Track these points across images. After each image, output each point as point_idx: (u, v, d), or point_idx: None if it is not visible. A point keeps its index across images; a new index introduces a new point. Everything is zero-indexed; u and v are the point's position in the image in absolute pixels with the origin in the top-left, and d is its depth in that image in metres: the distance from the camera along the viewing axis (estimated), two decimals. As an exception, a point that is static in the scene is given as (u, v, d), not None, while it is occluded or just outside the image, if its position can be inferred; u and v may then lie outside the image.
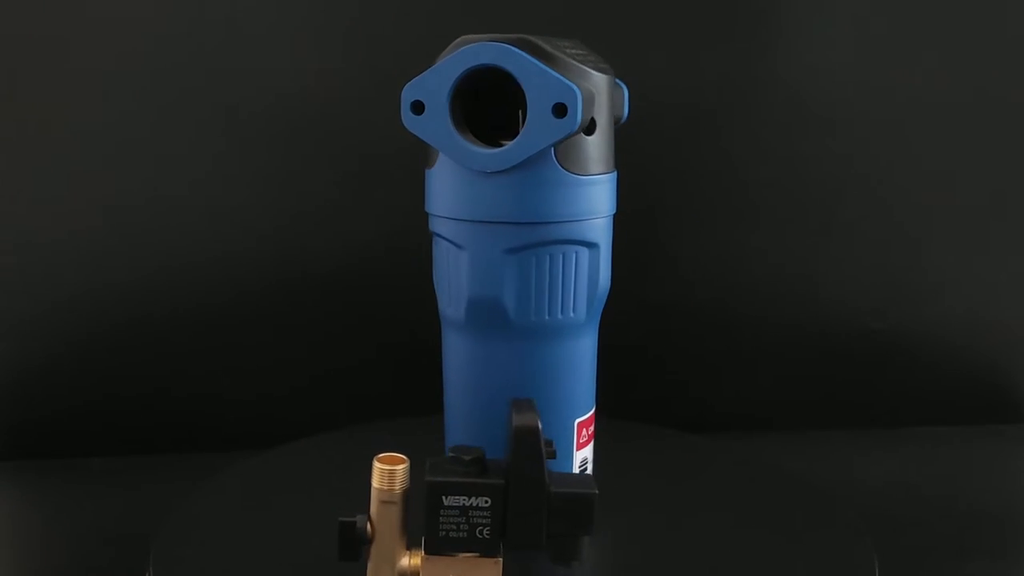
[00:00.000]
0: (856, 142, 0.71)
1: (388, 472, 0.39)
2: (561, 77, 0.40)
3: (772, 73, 0.70)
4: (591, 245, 0.45)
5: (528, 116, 0.41)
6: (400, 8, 0.65)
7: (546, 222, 0.43)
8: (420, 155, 0.45)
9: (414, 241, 0.52)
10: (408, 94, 0.42)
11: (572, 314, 0.45)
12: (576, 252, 0.45)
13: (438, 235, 0.46)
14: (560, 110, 0.41)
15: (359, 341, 0.69)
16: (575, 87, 0.40)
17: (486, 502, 0.40)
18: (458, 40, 0.43)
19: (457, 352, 0.47)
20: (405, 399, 0.63)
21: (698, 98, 0.70)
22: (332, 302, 0.69)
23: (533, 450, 0.39)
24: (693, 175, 0.71)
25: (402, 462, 0.39)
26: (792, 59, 0.70)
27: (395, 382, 0.68)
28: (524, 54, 0.41)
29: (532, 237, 0.43)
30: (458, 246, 0.44)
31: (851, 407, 0.74)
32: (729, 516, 0.50)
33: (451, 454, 0.40)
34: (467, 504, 0.39)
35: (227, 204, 0.67)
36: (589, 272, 0.45)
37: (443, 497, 0.39)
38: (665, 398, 0.70)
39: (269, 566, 0.45)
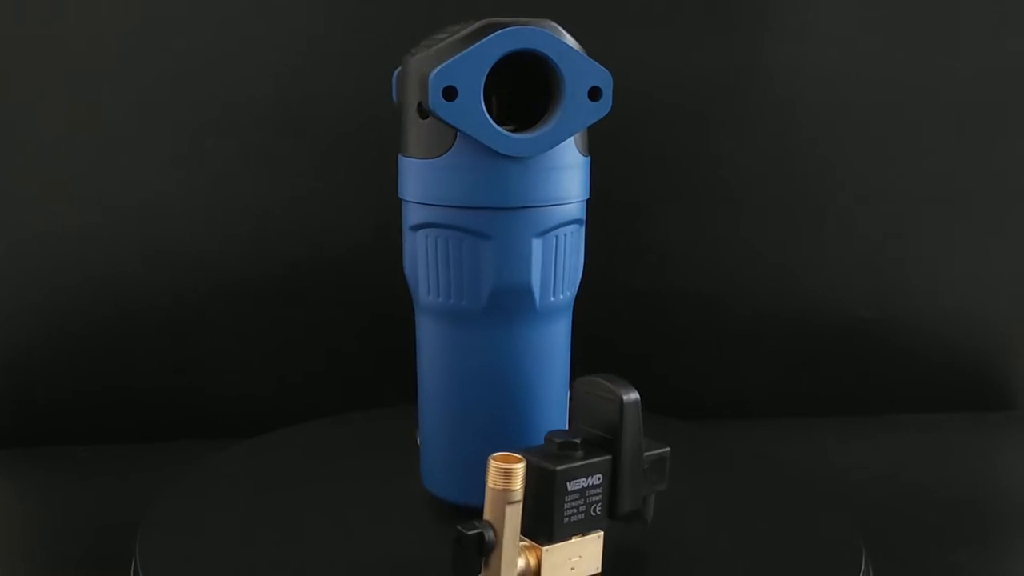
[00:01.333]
0: (845, 134, 0.72)
1: (507, 471, 0.38)
2: (594, 61, 0.41)
3: (763, 66, 0.70)
4: (583, 223, 0.46)
5: (564, 100, 0.41)
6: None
7: (567, 203, 0.44)
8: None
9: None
10: (438, 80, 0.40)
11: (576, 290, 0.46)
12: (579, 231, 0.46)
13: (445, 226, 0.44)
14: (595, 93, 0.42)
15: (344, 332, 0.70)
16: (607, 71, 0.41)
17: (599, 479, 0.40)
18: (482, 24, 0.41)
19: (442, 342, 0.46)
20: (391, 388, 0.61)
21: (688, 90, 0.70)
22: (316, 293, 0.70)
23: (638, 421, 0.40)
24: (682, 166, 0.71)
25: (518, 460, 0.39)
26: (782, 51, 0.70)
27: (379, 371, 0.68)
28: (559, 38, 0.41)
29: (556, 219, 0.44)
30: (482, 235, 0.43)
31: (838, 395, 0.75)
32: (713, 504, 0.50)
33: (556, 439, 0.40)
34: (585, 486, 0.40)
35: (214, 199, 0.68)
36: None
37: (567, 483, 0.39)
38: (652, 386, 0.70)
39: (254, 554, 0.45)
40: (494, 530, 0.38)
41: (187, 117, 0.66)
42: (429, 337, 0.47)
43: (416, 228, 0.45)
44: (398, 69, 0.47)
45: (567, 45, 0.41)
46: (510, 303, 0.44)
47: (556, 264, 0.45)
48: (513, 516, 0.38)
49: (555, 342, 0.46)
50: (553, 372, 0.46)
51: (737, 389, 0.74)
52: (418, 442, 0.49)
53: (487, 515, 0.39)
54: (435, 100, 0.40)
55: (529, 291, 0.44)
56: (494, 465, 0.38)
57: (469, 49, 0.40)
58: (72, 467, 0.65)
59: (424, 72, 0.41)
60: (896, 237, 0.73)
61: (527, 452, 0.40)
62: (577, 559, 0.41)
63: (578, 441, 0.40)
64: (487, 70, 0.40)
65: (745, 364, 0.74)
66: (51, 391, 0.68)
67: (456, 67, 0.40)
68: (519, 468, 0.38)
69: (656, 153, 0.71)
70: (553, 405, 0.46)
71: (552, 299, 0.45)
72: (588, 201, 0.46)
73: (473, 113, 0.41)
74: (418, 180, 0.44)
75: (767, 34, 0.70)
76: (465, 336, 0.45)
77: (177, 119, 0.66)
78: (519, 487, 0.38)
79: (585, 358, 0.49)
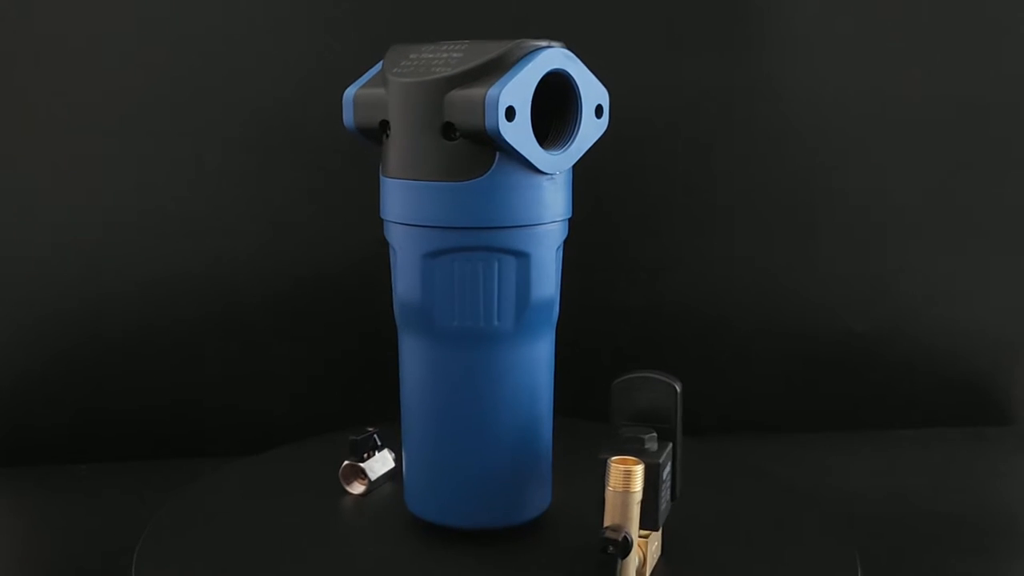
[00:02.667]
0: (840, 149, 0.71)
1: (627, 472, 0.40)
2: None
3: (757, 82, 0.70)
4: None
5: (583, 118, 0.43)
6: (374, 21, 0.66)
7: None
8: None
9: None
10: (504, 100, 0.40)
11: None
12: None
13: (486, 248, 0.43)
14: (599, 111, 0.44)
15: (341, 350, 0.70)
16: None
17: (670, 466, 0.43)
18: (518, 43, 0.41)
19: (423, 360, 0.46)
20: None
21: (682, 107, 0.70)
22: (315, 312, 0.69)
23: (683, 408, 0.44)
24: (676, 183, 0.71)
25: (636, 462, 0.40)
26: (775, 68, 0.70)
27: (376, 389, 0.62)
28: (577, 59, 0.43)
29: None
30: (521, 254, 0.43)
31: (835, 410, 0.74)
32: (709, 518, 0.50)
33: (626, 435, 0.42)
34: (667, 474, 0.43)
35: (211, 220, 0.68)
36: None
37: (663, 473, 0.42)
38: None
39: (252, 571, 0.45)
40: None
41: (185, 138, 0.66)
42: (423, 362, 0.46)
43: (442, 253, 0.43)
44: (352, 90, 0.44)
45: (581, 65, 0.43)
46: (540, 318, 0.45)
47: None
48: (636, 515, 0.40)
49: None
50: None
51: (733, 404, 0.73)
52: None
53: (613, 518, 0.40)
54: (501, 121, 0.40)
55: (552, 304, 0.45)
56: (616, 468, 0.40)
57: (525, 69, 0.40)
58: (71, 485, 0.64)
59: (476, 94, 0.40)
60: (892, 252, 0.73)
61: (609, 449, 0.42)
62: (657, 543, 0.44)
63: (650, 435, 0.43)
64: (532, 91, 0.41)
65: (741, 379, 0.73)
66: (51, 409, 0.68)
67: (514, 88, 0.40)
68: (639, 469, 0.40)
69: (649, 170, 0.71)
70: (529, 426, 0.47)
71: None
72: (581, 219, 0.46)
73: (525, 132, 0.41)
74: (452, 204, 0.42)
75: (761, 51, 0.70)
76: (478, 358, 0.45)
77: (175, 140, 0.66)
78: (640, 487, 0.40)
79: (579, 375, 0.50)
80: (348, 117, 0.45)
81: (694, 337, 0.72)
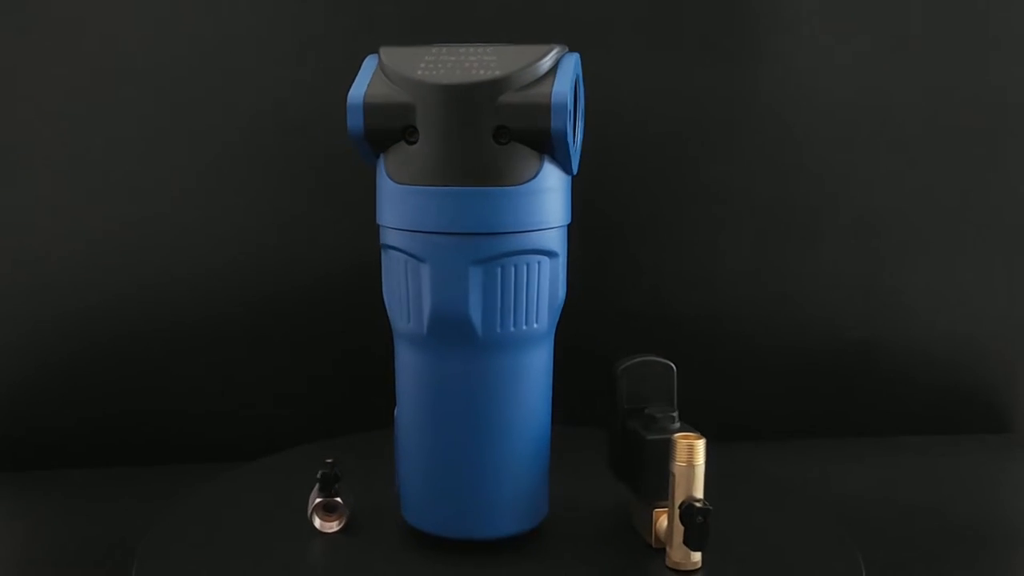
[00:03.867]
0: (840, 157, 0.71)
1: (691, 447, 0.43)
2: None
3: (757, 89, 0.69)
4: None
5: (583, 120, 0.45)
6: (374, 26, 0.65)
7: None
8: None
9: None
10: (569, 103, 0.41)
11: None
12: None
13: (531, 251, 0.43)
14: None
15: (338, 354, 0.70)
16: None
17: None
18: (553, 47, 0.42)
19: (419, 368, 0.45)
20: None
21: (682, 113, 0.69)
22: (308, 317, 0.69)
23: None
24: (676, 189, 0.70)
25: (698, 437, 0.43)
26: (775, 75, 0.70)
27: (369, 396, 0.61)
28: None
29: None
30: (553, 254, 0.44)
31: (834, 417, 0.74)
32: (712, 525, 0.48)
33: (654, 414, 0.45)
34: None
35: (205, 224, 0.68)
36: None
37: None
38: None
39: None
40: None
41: (183, 142, 0.66)
42: (412, 367, 0.45)
43: (491, 260, 0.42)
44: (359, 93, 0.42)
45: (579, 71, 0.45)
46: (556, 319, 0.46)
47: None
48: (703, 484, 0.44)
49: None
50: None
51: (732, 411, 0.72)
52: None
53: (685, 490, 0.43)
54: (568, 123, 0.41)
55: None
56: (681, 443, 0.43)
57: (567, 72, 0.42)
58: (67, 490, 0.65)
59: (540, 95, 0.40)
60: (891, 259, 0.73)
61: (643, 430, 0.45)
62: (678, 512, 0.47)
63: (668, 413, 0.46)
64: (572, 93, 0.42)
65: (741, 386, 0.73)
66: (46, 415, 0.68)
67: (569, 90, 0.41)
68: (701, 443, 0.44)
69: (650, 176, 0.70)
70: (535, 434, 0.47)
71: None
72: (580, 225, 0.46)
73: (572, 134, 0.42)
74: (507, 209, 0.42)
75: (761, 58, 0.69)
76: (507, 363, 0.44)
77: (173, 144, 0.66)
78: (703, 460, 0.44)
79: (579, 381, 0.50)
80: (357, 122, 0.42)
81: (693, 344, 0.72)
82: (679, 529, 0.43)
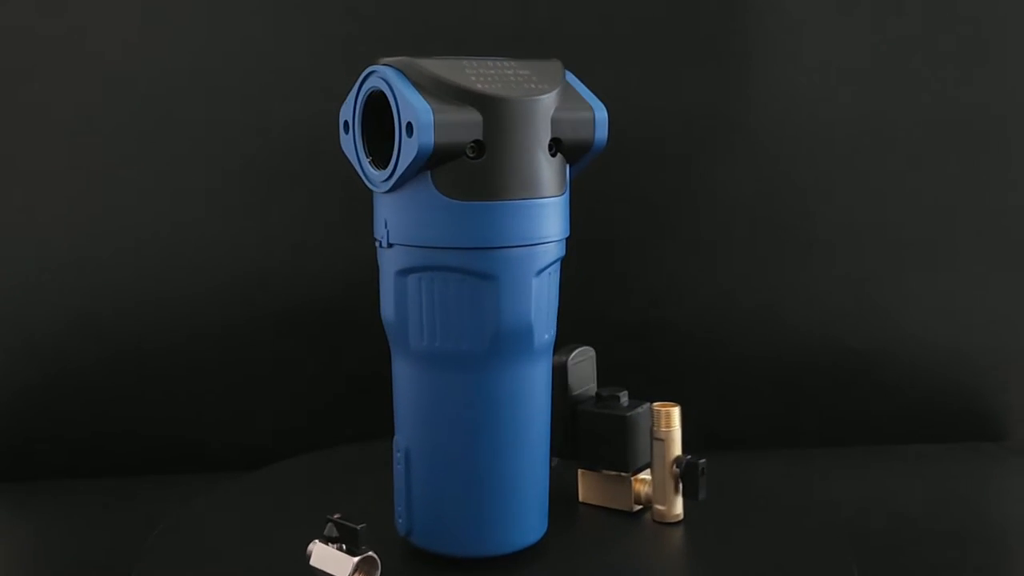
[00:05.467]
0: (833, 168, 0.71)
1: (669, 413, 0.49)
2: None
3: (749, 101, 0.70)
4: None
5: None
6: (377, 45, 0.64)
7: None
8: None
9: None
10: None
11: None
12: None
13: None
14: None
15: (340, 367, 0.71)
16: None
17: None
18: (559, 63, 0.44)
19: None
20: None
21: (674, 125, 0.69)
22: (312, 332, 0.70)
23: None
24: (669, 202, 0.71)
25: (673, 405, 0.50)
26: (767, 87, 0.70)
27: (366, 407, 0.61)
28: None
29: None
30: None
31: (827, 426, 0.74)
32: (707, 534, 0.49)
33: (604, 395, 0.51)
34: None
35: (209, 237, 0.69)
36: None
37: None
38: None
39: None
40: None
41: (191, 155, 0.68)
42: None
43: (545, 269, 0.43)
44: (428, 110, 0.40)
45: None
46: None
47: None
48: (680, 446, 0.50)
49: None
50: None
51: (728, 421, 0.72)
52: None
53: (672, 452, 0.49)
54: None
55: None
56: (663, 411, 0.49)
57: (586, 88, 0.45)
58: (70, 500, 0.65)
59: (586, 108, 0.43)
60: (887, 269, 0.73)
61: (604, 408, 0.50)
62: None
63: (614, 393, 0.51)
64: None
65: (736, 396, 0.73)
66: (48, 426, 0.69)
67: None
68: (677, 409, 0.50)
69: (642, 189, 0.70)
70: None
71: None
72: (574, 238, 0.45)
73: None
74: (562, 217, 0.43)
75: (752, 70, 0.69)
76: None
77: (174, 164, 0.68)
78: (678, 424, 0.50)
79: None
80: (428, 140, 0.39)
81: (687, 356, 0.72)
82: (671, 486, 0.50)
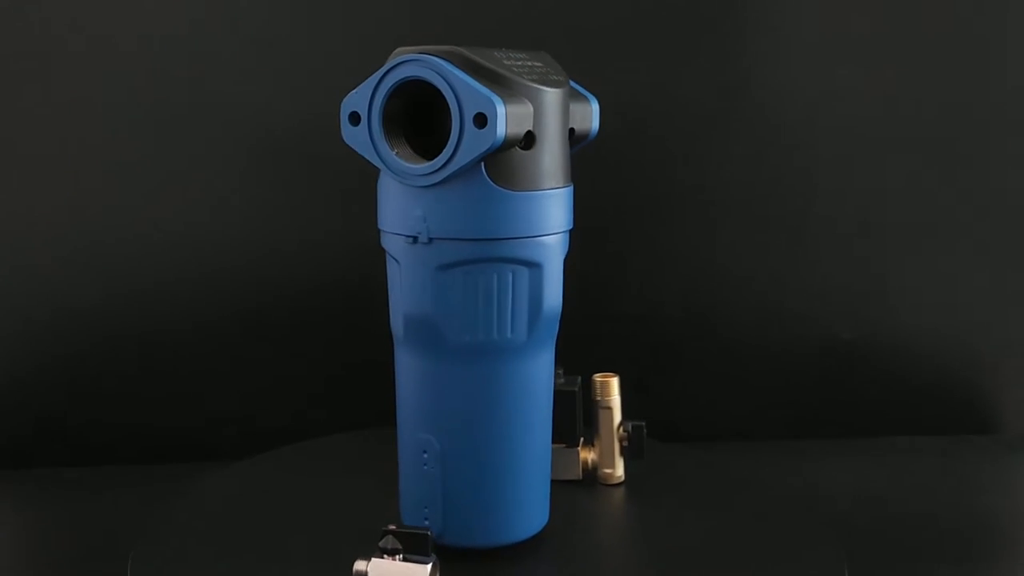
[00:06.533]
0: (827, 158, 0.71)
1: (607, 382, 0.53)
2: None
3: (743, 88, 0.69)
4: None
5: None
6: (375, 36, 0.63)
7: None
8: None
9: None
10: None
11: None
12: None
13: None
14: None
15: (333, 355, 0.70)
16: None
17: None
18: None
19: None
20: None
21: (668, 114, 0.69)
22: (305, 320, 0.69)
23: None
24: (662, 190, 0.71)
25: (612, 375, 0.53)
26: (762, 74, 0.70)
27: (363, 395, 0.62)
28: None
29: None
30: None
31: (821, 417, 0.74)
32: (696, 524, 0.49)
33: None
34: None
35: (205, 225, 0.68)
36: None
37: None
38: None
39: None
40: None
41: (187, 142, 0.67)
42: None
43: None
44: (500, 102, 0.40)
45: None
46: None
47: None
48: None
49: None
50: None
51: (719, 411, 0.73)
52: None
53: (616, 418, 0.53)
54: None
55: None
56: (603, 381, 0.53)
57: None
58: (59, 489, 0.65)
59: (586, 99, 0.46)
60: (879, 259, 0.72)
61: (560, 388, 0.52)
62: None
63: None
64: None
65: (727, 386, 0.73)
66: (40, 413, 0.69)
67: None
68: (615, 379, 0.54)
69: (636, 177, 0.70)
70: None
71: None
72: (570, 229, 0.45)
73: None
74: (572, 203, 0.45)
75: (747, 57, 0.69)
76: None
77: (170, 151, 0.67)
78: (617, 392, 0.54)
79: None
80: (502, 132, 0.39)
81: (680, 346, 0.72)
82: (617, 451, 0.53)
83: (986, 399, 0.75)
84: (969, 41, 0.71)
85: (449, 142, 0.40)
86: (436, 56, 0.40)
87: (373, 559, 0.41)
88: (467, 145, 0.40)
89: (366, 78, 0.41)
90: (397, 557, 0.41)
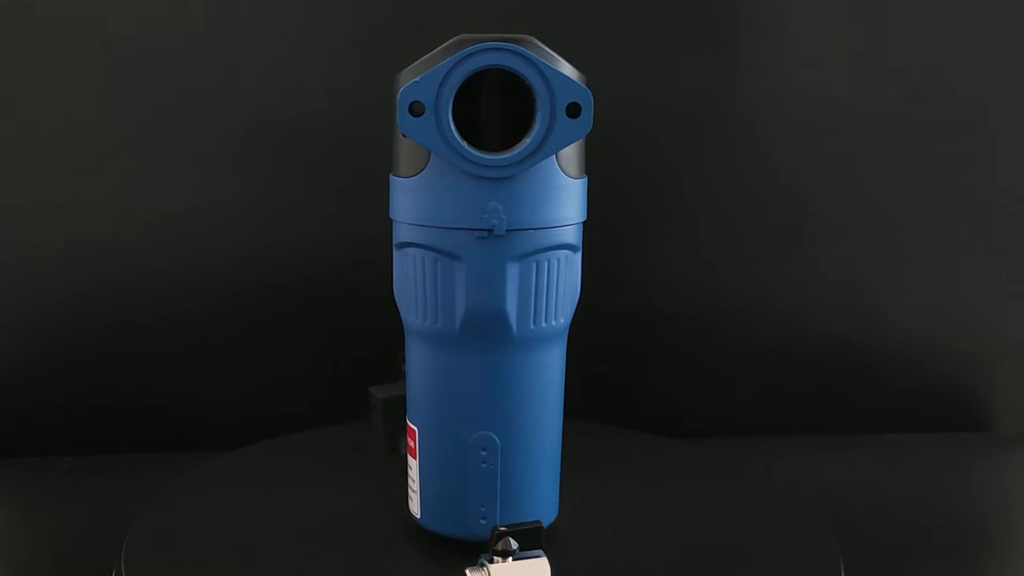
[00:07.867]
0: (821, 157, 0.70)
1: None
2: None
3: (740, 89, 0.69)
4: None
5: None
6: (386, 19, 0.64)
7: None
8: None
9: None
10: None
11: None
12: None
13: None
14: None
15: (332, 345, 0.70)
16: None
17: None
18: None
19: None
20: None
21: (665, 112, 0.69)
22: (307, 310, 0.69)
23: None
24: (659, 189, 0.70)
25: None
26: (758, 74, 0.69)
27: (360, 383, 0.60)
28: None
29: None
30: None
31: (813, 414, 0.74)
32: (693, 520, 0.50)
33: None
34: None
35: (199, 216, 0.68)
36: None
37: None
38: (632, 406, 0.64)
39: (239, 564, 0.46)
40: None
41: (179, 136, 0.66)
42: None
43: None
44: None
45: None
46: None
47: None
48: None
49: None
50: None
51: (715, 408, 0.73)
52: None
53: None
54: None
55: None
56: None
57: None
58: (54, 478, 0.65)
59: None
60: (874, 257, 0.72)
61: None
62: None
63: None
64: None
65: (724, 383, 0.73)
66: (33, 402, 0.69)
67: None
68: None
69: (633, 175, 0.69)
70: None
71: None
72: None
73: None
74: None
75: (744, 57, 0.69)
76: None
77: (170, 137, 0.66)
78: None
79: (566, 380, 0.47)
80: (591, 121, 0.40)
81: (676, 343, 0.72)
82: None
83: (979, 397, 0.76)
84: (967, 41, 0.71)
85: (535, 132, 0.40)
86: (520, 45, 0.39)
87: (490, 566, 0.40)
88: (558, 135, 0.40)
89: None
90: (510, 558, 0.40)
